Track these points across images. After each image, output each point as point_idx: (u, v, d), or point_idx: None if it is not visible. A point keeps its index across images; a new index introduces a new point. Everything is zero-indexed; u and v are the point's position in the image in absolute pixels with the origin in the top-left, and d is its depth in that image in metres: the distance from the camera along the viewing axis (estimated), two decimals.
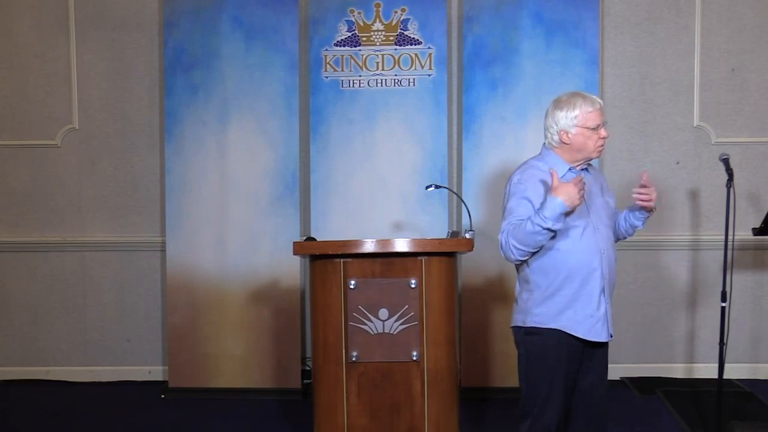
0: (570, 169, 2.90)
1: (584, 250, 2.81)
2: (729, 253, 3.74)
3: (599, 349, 2.92)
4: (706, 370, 4.80)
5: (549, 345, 2.85)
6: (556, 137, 2.88)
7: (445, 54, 4.70)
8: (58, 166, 5.01)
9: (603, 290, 2.84)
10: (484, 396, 4.56)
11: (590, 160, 2.93)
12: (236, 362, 4.73)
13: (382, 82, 4.70)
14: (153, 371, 5.03)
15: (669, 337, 4.93)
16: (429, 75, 4.69)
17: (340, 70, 4.71)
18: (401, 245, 3.30)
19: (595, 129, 2.83)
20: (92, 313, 5.04)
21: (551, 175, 2.70)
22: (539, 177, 2.85)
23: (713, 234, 4.76)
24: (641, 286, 4.91)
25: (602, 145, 2.88)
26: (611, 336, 2.89)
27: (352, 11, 4.70)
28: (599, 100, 2.88)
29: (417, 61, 4.69)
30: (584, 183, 2.74)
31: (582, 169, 2.94)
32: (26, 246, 5.02)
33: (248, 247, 4.71)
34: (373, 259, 3.31)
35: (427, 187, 4.03)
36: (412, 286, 3.29)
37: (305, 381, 4.69)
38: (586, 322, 2.83)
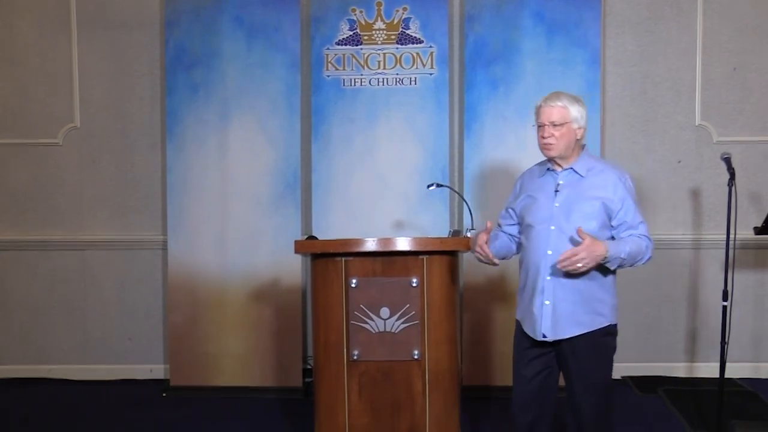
0: (548, 168, 2.95)
1: (535, 248, 2.90)
2: (730, 252, 3.74)
3: (571, 353, 2.88)
4: (708, 369, 4.80)
5: (515, 335, 3.05)
6: None
7: (446, 53, 4.70)
8: (60, 165, 5.01)
9: (543, 290, 2.87)
10: (485, 395, 4.56)
11: (551, 159, 2.92)
12: (237, 361, 4.74)
13: (383, 81, 4.70)
14: (154, 370, 5.04)
15: (670, 336, 4.93)
16: (430, 74, 4.69)
17: (341, 69, 4.71)
18: (402, 244, 3.30)
19: (540, 126, 2.88)
20: (93, 312, 5.05)
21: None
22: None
23: (714, 233, 4.76)
24: (642, 285, 4.91)
25: (545, 144, 2.88)
26: (544, 336, 2.88)
27: (353, 10, 4.70)
28: (552, 101, 2.87)
29: (418, 60, 4.69)
30: (483, 242, 2.90)
31: (564, 170, 2.91)
32: (27, 244, 5.03)
33: (249, 246, 4.71)
34: (374, 258, 3.30)
35: (428, 186, 4.03)
36: (414, 285, 3.29)
37: (306, 380, 4.70)
38: (527, 317, 2.95)
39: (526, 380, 2.96)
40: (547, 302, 2.88)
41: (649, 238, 2.87)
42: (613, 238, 2.87)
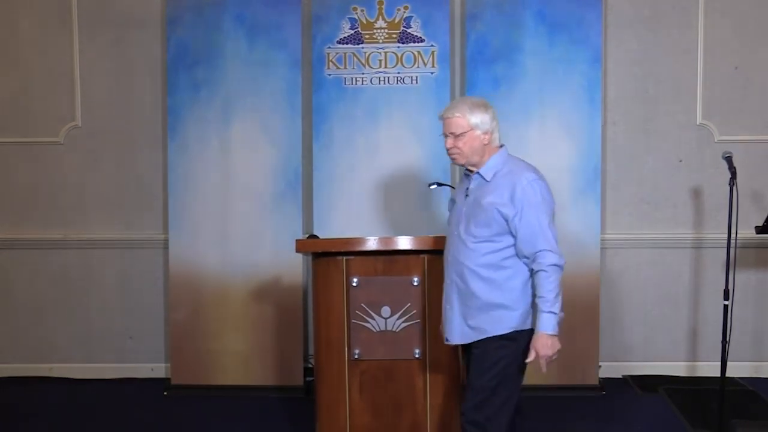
0: (466, 173, 2.94)
1: (445, 252, 2.95)
2: (731, 251, 3.74)
3: (472, 359, 2.85)
4: (709, 368, 4.80)
5: None
6: None
7: (447, 52, 4.70)
8: (61, 164, 5.01)
9: (447, 295, 2.90)
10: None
11: (461, 165, 2.91)
12: (238, 359, 4.74)
13: (384, 80, 4.70)
14: (155, 368, 5.04)
15: (671, 335, 4.93)
16: (432, 73, 4.69)
17: (342, 67, 4.71)
18: (404, 243, 3.31)
19: (445, 137, 2.88)
20: (95, 310, 5.05)
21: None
22: None
23: (716, 232, 4.75)
24: (643, 284, 4.91)
25: (450, 155, 2.87)
26: (447, 340, 2.91)
27: (354, 9, 4.70)
28: (450, 112, 2.84)
29: (420, 58, 4.68)
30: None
31: (475, 174, 2.88)
32: (29, 243, 5.03)
33: (251, 245, 4.71)
34: (375, 257, 3.31)
35: (429, 185, 4.04)
36: (415, 284, 3.29)
37: (307, 378, 4.70)
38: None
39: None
40: (448, 307, 2.89)
41: (554, 264, 2.69)
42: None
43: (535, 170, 2.83)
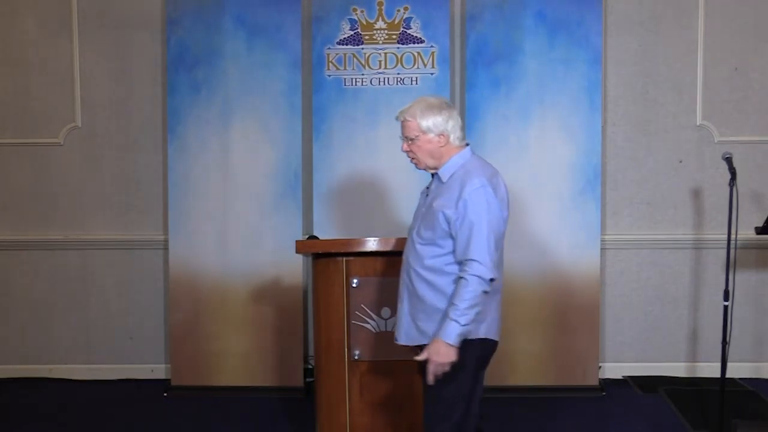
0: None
1: (403, 254, 2.87)
2: (731, 252, 3.74)
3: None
4: (709, 368, 4.79)
5: None
6: None
7: (447, 53, 4.70)
8: (61, 165, 5.01)
9: (400, 294, 2.84)
10: (486, 395, 4.53)
11: (422, 169, 2.87)
12: (238, 360, 4.74)
13: (384, 81, 4.70)
14: (155, 369, 5.04)
15: (671, 336, 4.93)
16: (432, 74, 4.69)
17: (342, 68, 4.71)
18: (404, 244, 3.30)
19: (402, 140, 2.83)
20: (95, 312, 5.05)
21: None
22: None
23: (716, 233, 4.75)
24: (644, 284, 4.91)
25: (409, 158, 2.83)
26: (396, 339, 2.86)
27: (354, 10, 4.70)
28: (402, 115, 2.79)
29: (420, 59, 4.68)
30: None
31: (434, 175, 2.84)
32: (29, 244, 5.03)
33: (251, 246, 4.71)
34: (375, 258, 3.31)
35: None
36: None
37: (307, 379, 4.70)
38: None
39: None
40: (399, 306, 2.85)
41: (477, 275, 2.58)
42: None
43: (489, 176, 2.70)
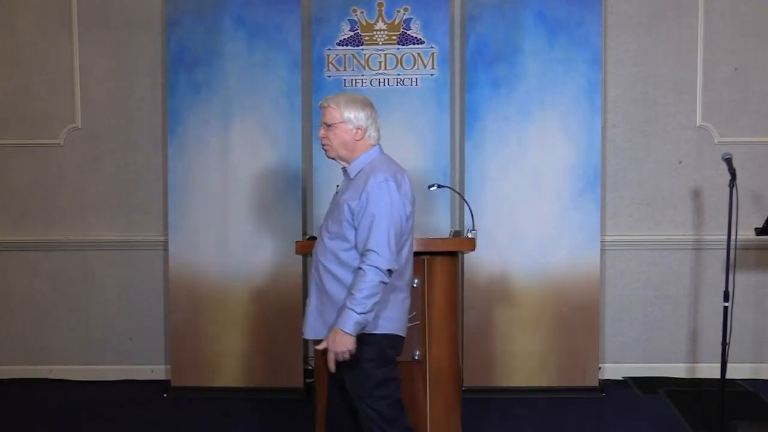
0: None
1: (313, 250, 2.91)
2: (731, 252, 3.74)
3: None
4: (709, 369, 4.79)
5: None
6: None
7: (447, 53, 4.70)
8: (61, 165, 5.01)
9: (309, 290, 2.87)
10: (486, 395, 4.56)
11: (331, 158, 2.92)
12: (238, 361, 4.74)
13: (384, 82, 4.70)
14: (155, 370, 5.04)
15: (671, 337, 4.93)
16: (431, 74, 4.69)
17: (342, 69, 4.71)
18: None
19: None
20: (95, 312, 5.05)
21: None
22: None
23: (716, 234, 4.75)
24: (643, 285, 4.91)
25: (322, 145, 2.89)
26: (302, 333, 2.88)
27: (354, 10, 4.70)
28: (326, 101, 2.86)
29: (419, 60, 4.68)
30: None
31: (344, 171, 2.91)
32: (29, 245, 5.03)
33: (251, 246, 4.71)
34: None
35: (429, 187, 4.03)
36: (415, 285, 3.28)
37: (307, 380, 4.70)
38: None
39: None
40: (308, 301, 2.88)
41: (375, 266, 2.64)
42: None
43: (393, 171, 2.79)
